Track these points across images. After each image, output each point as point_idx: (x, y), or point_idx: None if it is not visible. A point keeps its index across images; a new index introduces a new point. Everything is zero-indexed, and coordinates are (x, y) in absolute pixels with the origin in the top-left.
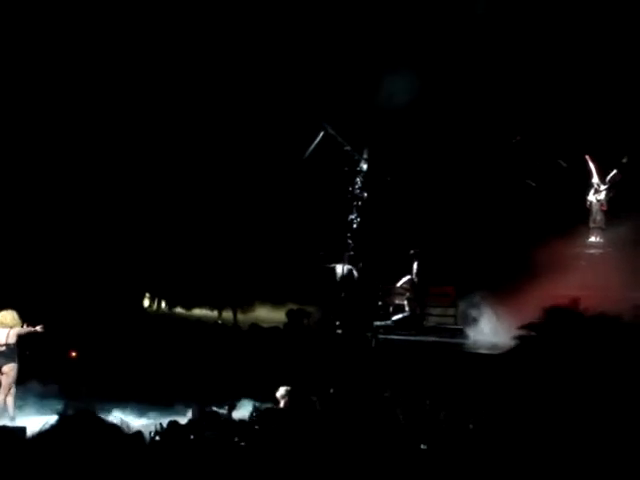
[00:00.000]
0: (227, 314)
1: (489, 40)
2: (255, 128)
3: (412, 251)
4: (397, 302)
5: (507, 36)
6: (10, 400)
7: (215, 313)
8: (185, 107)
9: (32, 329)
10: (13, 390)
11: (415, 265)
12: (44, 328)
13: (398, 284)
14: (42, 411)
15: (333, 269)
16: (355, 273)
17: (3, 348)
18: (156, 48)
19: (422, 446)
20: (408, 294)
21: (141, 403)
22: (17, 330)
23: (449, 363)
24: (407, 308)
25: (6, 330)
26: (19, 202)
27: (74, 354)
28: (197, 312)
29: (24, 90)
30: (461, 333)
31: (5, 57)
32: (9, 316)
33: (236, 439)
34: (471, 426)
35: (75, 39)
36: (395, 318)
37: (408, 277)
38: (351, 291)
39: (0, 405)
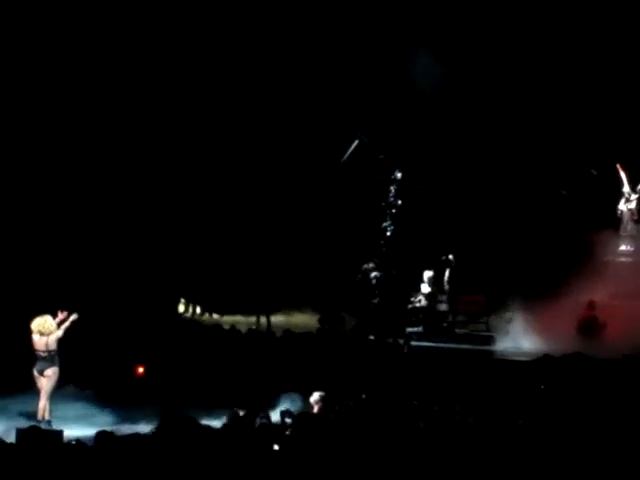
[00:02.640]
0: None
1: (522, 46)
2: (290, 135)
3: (444, 257)
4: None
5: (541, 43)
6: (48, 404)
7: (248, 319)
8: (215, 114)
9: (68, 322)
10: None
11: (447, 272)
12: (78, 315)
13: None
14: (79, 415)
15: (366, 272)
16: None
17: (45, 354)
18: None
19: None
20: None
21: (175, 407)
22: (56, 335)
23: (479, 370)
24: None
25: (45, 337)
26: (50, 207)
27: (141, 370)
28: (230, 318)
29: (24, 90)
30: (492, 341)
31: (5, 57)
32: (45, 324)
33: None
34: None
35: (75, 39)
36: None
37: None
38: (382, 297)
39: (41, 409)
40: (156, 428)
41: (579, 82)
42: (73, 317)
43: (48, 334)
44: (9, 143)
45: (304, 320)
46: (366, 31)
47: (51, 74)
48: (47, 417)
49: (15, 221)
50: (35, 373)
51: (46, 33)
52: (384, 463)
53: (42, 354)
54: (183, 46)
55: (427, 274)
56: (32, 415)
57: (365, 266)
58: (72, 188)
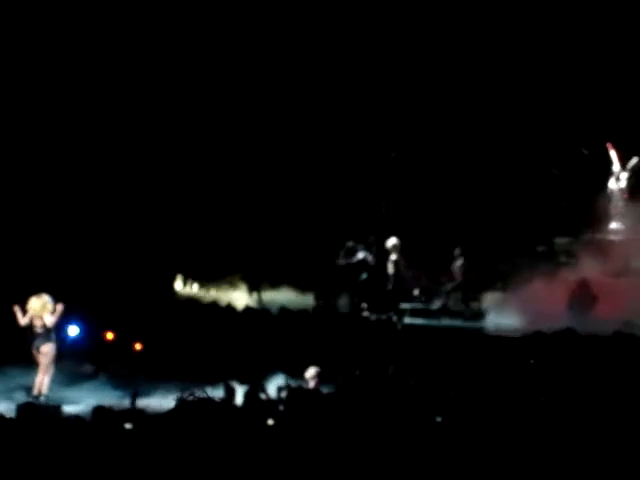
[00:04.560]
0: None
1: (512, 29)
2: (289, 117)
3: (457, 249)
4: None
5: (532, 27)
6: (47, 380)
7: (241, 294)
8: (212, 105)
9: (58, 314)
10: (51, 370)
11: (459, 263)
12: (64, 306)
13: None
14: (77, 391)
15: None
16: (370, 258)
17: (41, 330)
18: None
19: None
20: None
21: (172, 381)
22: (49, 315)
23: (470, 346)
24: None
25: (40, 314)
26: (45, 188)
27: (139, 346)
28: (225, 295)
29: (24, 90)
30: (484, 316)
31: (5, 57)
32: (39, 303)
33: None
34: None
35: (75, 39)
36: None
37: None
38: (374, 275)
39: (37, 384)
40: (175, 407)
41: (569, 63)
42: (59, 308)
43: (43, 314)
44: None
45: (291, 297)
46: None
47: (51, 74)
48: (44, 392)
49: (8, 200)
50: (33, 349)
51: (46, 33)
52: (378, 439)
53: (38, 330)
54: (180, 44)
55: (392, 241)
56: (29, 390)
57: (348, 244)
58: (64, 167)
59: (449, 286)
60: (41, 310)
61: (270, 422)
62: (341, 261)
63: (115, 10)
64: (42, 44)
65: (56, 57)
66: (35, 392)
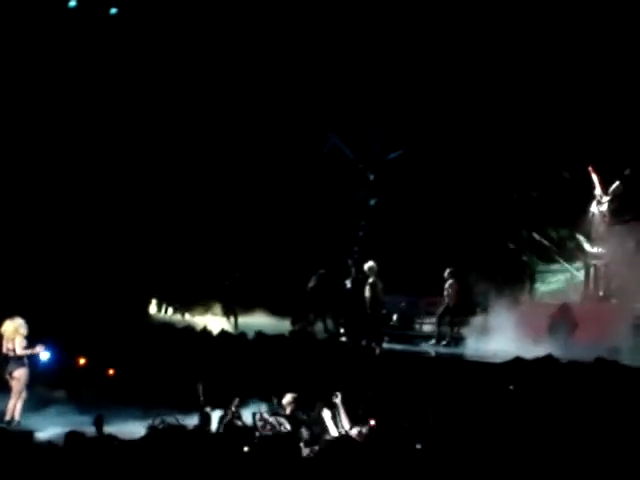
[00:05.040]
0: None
1: (496, 47)
2: (262, 136)
3: (448, 270)
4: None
5: (514, 45)
6: (19, 405)
7: (216, 318)
8: (188, 111)
9: (31, 351)
10: (24, 395)
11: (450, 284)
12: (44, 350)
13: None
14: (49, 416)
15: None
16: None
17: (12, 354)
18: (162, 51)
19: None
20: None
21: (145, 407)
22: (20, 340)
23: (450, 372)
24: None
25: (12, 340)
26: (21, 205)
27: (111, 372)
28: (200, 318)
29: (24, 90)
30: (464, 342)
31: (5, 57)
32: (11, 327)
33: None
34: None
35: (75, 39)
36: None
37: None
38: (352, 300)
39: (10, 409)
40: (146, 434)
41: (551, 84)
42: (38, 349)
43: (14, 337)
44: None
45: (266, 321)
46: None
47: (51, 74)
48: (17, 418)
49: None
50: (5, 374)
51: (46, 34)
52: (357, 465)
53: (10, 354)
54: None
55: (368, 264)
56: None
57: (321, 272)
58: (40, 190)
59: (439, 310)
60: (13, 333)
61: (246, 449)
62: (311, 285)
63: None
64: (42, 44)
65: (56, 57)
66: (7, 417)
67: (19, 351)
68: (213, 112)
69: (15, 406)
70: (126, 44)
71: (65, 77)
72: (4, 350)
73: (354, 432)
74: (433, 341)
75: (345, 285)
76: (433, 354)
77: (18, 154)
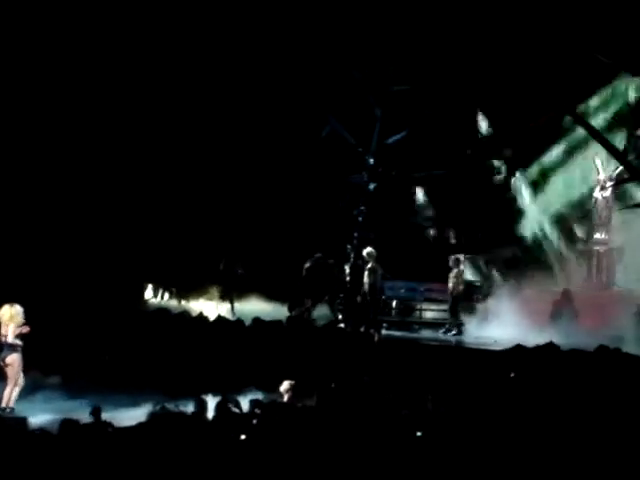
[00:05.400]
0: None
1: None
2: (260, 120)
3: (453, 257)
4: None
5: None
6: (15, 392)
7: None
8: (186, 99)
9: (20, 330)
10: (21, 381)
11: (456, 272)
12: (29, 330)
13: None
14: (44, 402)
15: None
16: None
17: (4, 339)
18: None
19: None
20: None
21: (141, 393)
22: (13, 327)
23: (450, 359)
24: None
25: (5, 325)
26: (16, 189)
27: (107, 357)
28: (196, 304)
29: (24, 90)
30: (465, 329)
31: (5, 57)
32: (7, 313)
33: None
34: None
35: (75, 39)
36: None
37: None
38: (352, 286)
39: (6, 397)
40: (147, 420)
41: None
42: (23, 330)
43: (9, 324)
44: None
45: (261, 306)
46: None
47: (51, 74)
48: (11, 405)
49: None
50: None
51: (46, 33)
52: (356, 453)
53: (2, 341)
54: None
55: (367, 250)
56: None
57: (317, 255)
58: (33, 172)
59: (449, 300)
60: (9, 320)
61: (243, 437)
62: (306, 267)
63: (115, 10)
64: (42, 44)
65: (56, 57)
66: (3, 404)
67: (11, 339)
68: (211, 95)
69: (11, 393)
70: (122, 43)
71: (65, 77)
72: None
73: None
74: (442, 330)
75: (344, 271)
76: (453, 342)
77: (12, 140)
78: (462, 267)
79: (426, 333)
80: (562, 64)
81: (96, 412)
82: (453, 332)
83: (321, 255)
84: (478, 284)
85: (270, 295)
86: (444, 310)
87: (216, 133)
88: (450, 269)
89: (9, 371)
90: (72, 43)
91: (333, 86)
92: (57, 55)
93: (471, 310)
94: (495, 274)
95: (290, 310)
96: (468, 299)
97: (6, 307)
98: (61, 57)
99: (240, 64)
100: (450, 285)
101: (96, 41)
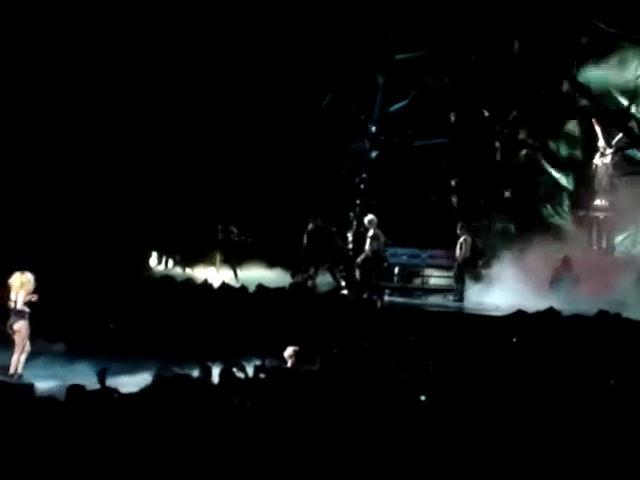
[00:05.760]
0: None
1: None
2: (262, 90)
3: (460, 224)
4: None
5: None
6: (23, 358)
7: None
8: (185, 70)
9: (30, 298)
10: (27, 348)
11: (464, 238)
12: (37, 298)
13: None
14: (50, 369)
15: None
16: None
17: (12, 305)
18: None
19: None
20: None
21: (146, 360)
22: (23, 294)
23: (451, 325)
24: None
25: (14, 292)
26: (18, 164)
27: (112, 324)
28: (201, 271)
29: (24, 89)
30: (465, 295)
31: (5, 57)
32: (19, 280)
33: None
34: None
35: (75, 39)
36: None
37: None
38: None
39: (14, 363)
40: (151, 384)
41: None
42: (32, 298)
43: (19, 291)
44: None
45: (262, 273)
46: None
47: (51, 74)
48: (19, 371)
49: None
50: (7, 328)
51: (46, 33)
52: (361, 418)
53: (11, 305)
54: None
55: (368, 217)
56: (6, 370)
57: (316, 222)
58: (40, 143)
59: (455, 266)
60: (19, 287)
61: (248, 402)
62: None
63: (115, 10)
64: (42, 44)
65: (56, 57)
66: (11, 371)
67: (20, 305)
68: (212, 64)
69: (19, 360)
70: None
71: (65, 77)
72: (9, 302)
73: None
74: (451, 297)
75: (346, 238)
76: (455, 308)
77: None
78: (470, 234)
79: (428, 299)
80: (563, 31)
81: (102, 374)
82: (455, 298)
83: (321, 221)
84: (481, 251)
85: (272, 261)
86: (447, 276)
87: (218, 101)
88: (458, 236)
89: (17, 338)
90: (72, 43)
91: (335, 55)
92: (57, 55)
93: (477, 277)
94: (497, 240)
95: (293, 277)
96: (473, 266)
97: (17, 274)
98: (61, 57)
99: (241, 33)
100: (457, 252)
101: (96, 41)
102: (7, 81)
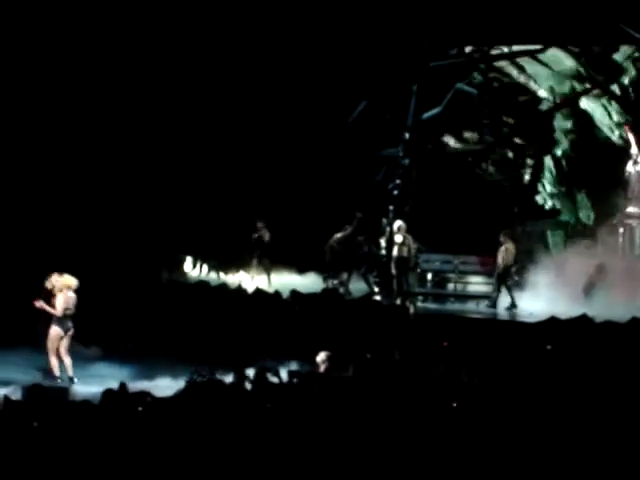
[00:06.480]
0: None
1: None
2: (299, 96)
3: (504, 231)
4: None
5: None
6: (67, 361)
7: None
8: (218, 73)
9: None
10: (63, 351)
11: (506, 247)
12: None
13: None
14: (86, 374)
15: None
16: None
17: (72, 311)
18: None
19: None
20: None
21: (180, 365)
22: (60, 300)
23: (485, 331)
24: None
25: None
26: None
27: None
28: (235, 277)
29: (24, 89)
30: (499, 302)
31: (5, 57)
32: (65, 283)
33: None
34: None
35: (75, 39)
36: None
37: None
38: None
39: (67, 367)
40: (184, 388)
41: None
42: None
43: (58, 294)
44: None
45: (293, 278)
46: None
47: (51, 74)
48: (69, 374)
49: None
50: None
51: (46, 33)
52: (393, 423)
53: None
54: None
55: (397, 223)
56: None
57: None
58: (58, 148)
59: (496, 273)
60: (60, 289)
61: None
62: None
63: (115, 9)
64: (42, 44)
65: (56, 57)
66: (69, 374)
67: (56, 309)
68: (245, 68)
69: (56, 364)
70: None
71: (65, 76)
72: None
73: None
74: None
75: (379, 244)
76: (489, 315)
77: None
78: (513, 242)
79: (461, 306)
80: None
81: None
82: (488, 304)
83: (351, 230)
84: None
85: (303, 267)
86: (480, 283)
87: (256, 106)
88: (500, 243)
89: (66, 341)
90: (72, 43)
91: (370, 61)
92: (57, 55)
93: (516, 284)
94: (530, 247)
95: (324, 282)
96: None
97: (66, 276)
98: (61, 57)
99: (274, 38)
100: (500, 259)
101: (96, 41)
102: (7, 82)
